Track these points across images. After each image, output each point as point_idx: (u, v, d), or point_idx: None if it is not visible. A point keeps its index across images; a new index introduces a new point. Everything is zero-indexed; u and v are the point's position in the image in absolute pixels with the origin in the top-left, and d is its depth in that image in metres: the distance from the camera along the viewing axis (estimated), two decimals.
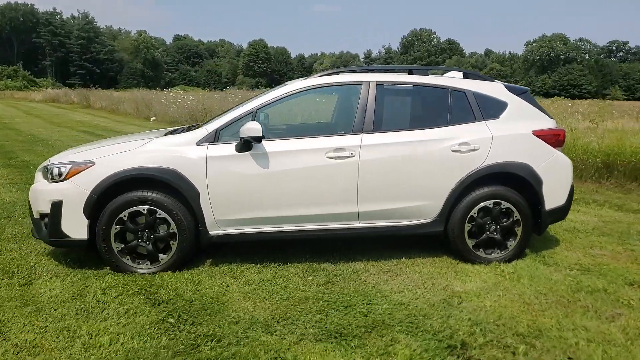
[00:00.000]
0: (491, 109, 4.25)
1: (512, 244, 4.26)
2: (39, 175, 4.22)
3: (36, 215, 4.09)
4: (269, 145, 3.97)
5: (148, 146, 3.99)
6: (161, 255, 4.01)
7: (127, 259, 3.98)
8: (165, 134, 4.42)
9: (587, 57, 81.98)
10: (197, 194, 3.93)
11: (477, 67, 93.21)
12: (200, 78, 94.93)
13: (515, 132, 4.18)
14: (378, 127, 4.11)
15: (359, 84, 4.21)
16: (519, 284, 3.82)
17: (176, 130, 4.97)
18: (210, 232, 4.04)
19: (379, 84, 4.20)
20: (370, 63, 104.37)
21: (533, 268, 4.13)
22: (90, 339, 2.94)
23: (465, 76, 4.45)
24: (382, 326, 3.16)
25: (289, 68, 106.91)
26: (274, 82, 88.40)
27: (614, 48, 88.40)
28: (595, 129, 9.49)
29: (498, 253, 4.26)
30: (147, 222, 3.94)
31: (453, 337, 3.03)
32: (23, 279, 3.84)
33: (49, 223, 3.95)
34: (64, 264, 4.16)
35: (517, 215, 4.20)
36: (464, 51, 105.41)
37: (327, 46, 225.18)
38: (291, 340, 2.98)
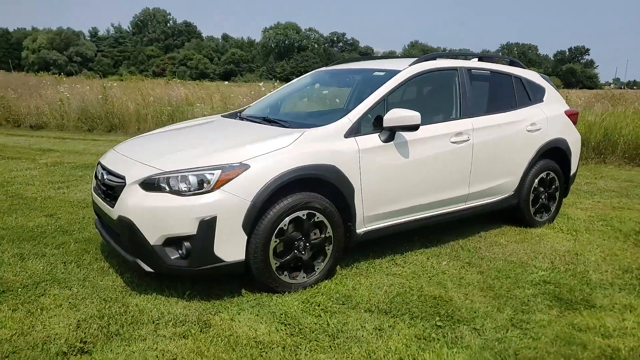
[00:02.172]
0: (538, 93, 5.13)
1: (553, 207, 5.27)
2: (137, 190, 3.25)
3: (156, 242, 3.17)
4: (407, 134, 3.96)
5: (302, 141, 3.51)
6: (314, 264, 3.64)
7: (285, 275, 3.48)
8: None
9: (316, 46, 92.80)
10: (353, 190, 3.69)
11: (218, 52, 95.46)
12: None
13: (557, 113, 5.17)
14: (477, 111, 4.52)
15: (455, 69, 4.52)
16: (588, 237, 4.85)
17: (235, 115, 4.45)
18: (357, 230, 3.84)
19: (468, 70, 4.60)
20: (99, 42, 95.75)
21: (573, 224, 5.24)
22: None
23: (512, 64, 5.20)
24: (579, 288, 3.68)
25: None
26: None
27: (335, 39, 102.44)
28: None
29: (545, 216, 5.22)
30: (306, 228, 3.52)
31: (630, 285, 3.79)
32: (187, 323, 3.00)
33: (196, 248, 3.14)
34: (181, 297, 3.35)
35: (557, 182, 5.22)
36: (202, 34, 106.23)
37: (40, 21, 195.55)
38: (552, 314, 3.28)
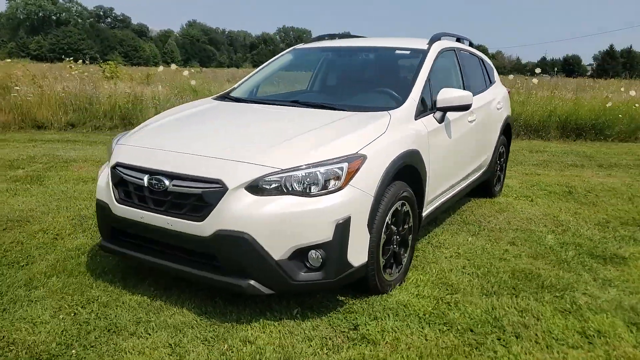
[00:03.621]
0: (492, 74, 5.65)
1: (502, 177, 5.93)
2: (245, 196, 2.65)
3: (283, 256, 2.66)
4: (450, 114, 3.99)
5: (393, 126, 3.25)
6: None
7: (387, 273, 3.24)
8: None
9: (80, 21, 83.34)
10: (426, 175, 3.61)
11: None
12: None
13: (505, 92, 5.78)
14: (471, 91, 4.78)
15: (453, 49, 4.68)
16: (541, 201, 5.60)
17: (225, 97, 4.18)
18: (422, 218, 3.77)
19: (459, 50, 4.81)
20: None
21: (519, 192, 5.98)
22: None
23: (471, 44, 5.58)
24: (592, 245, 4.23)
25: None
26: None
27: (101, 13, 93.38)
28: None
29: (499, 186, 5.85)
30: (400, 220, 3.32)
31: (620, 237, 4.54)
32: (344, 344, 2.61)
33: (332, 256, 2.72)
34: (293, 317, 2.89)
35: (505, 155, 5.88)
36: None
37: None
38: (612, 270, 3.75)
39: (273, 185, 2.67)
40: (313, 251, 2.71)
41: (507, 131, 5.78)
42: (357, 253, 2.86)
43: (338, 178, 2.74)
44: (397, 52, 4.27)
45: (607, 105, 10.20)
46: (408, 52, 4.18)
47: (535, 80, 12.43)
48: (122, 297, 3.09)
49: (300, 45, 4.89)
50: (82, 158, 7.38)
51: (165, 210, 2.80)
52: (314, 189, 2.69)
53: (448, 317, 2.93)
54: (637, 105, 10.30)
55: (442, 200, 4.17)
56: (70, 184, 5.87)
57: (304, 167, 2.71)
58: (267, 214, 2.62)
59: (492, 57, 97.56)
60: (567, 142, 10.12)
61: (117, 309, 2.95)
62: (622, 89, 11.38)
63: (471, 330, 2.80)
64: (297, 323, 2.83)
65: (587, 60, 78.94)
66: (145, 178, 2.86)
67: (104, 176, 3.20)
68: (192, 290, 3.16)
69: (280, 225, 2.63)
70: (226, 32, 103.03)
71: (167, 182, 2.78)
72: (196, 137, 3.16)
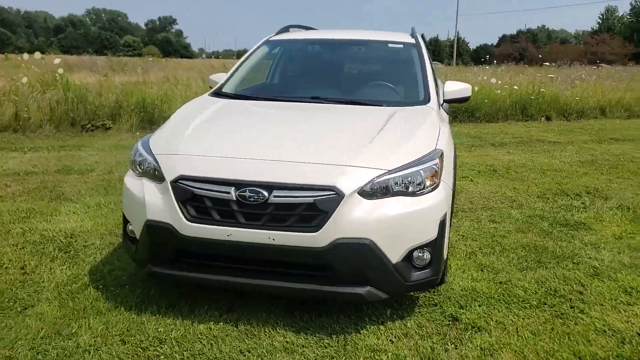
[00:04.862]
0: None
1: None
2: (360, 201, 2.61)
3: (399, 259, 2.68)
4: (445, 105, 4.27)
5: (438, 119, 3.40)
6: None
7: None
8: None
9: None
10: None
11: None
12: None
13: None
14: None
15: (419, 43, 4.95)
16: (479, 180, 6.26)
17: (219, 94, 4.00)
18: None
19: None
20: None
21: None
22: None
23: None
24: (552, 215, 4.96)
25: None
26: None
27: None
28: None
29: None
30: None
31: (565, 207, 5.34)
32: (481, 335, 2.73)
33: (436, 253, 2.81)
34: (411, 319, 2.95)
35: None
36: None
37: None
38: (592, 236, 4.42)
39: (379, 187, 2.65)
40: (418, 250, 2.75)
41: None
42: (446, 247, 2.98)
43: (435, 175, 2.82)
44: (390, 45, 4.40)
45: (475, 89, 11.57)
46: (401, 45, 4.35)
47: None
48: (193, 327, 2.78)
49: (275, 37, 4.71)
50: None
51: (263, 225, 2.59)
52: (416, 188, 2.73)
53: (518, 295, 3.22)
54: (498, 91, 11.89)
55: None
56: None
57: (407, 166, 2.73)
58: (385, 217, 2.60)
59: None
60: None
61: (202, 341, 2.65)
62: (483, 76, 13.01)
63: (545, 304, 3.12)
64: (401, 324, 2.86)
65: None
66: (233, 191, 2.61)
67: (154, 192, 2.79)
68: (259, 307, 2.97)
69: (397, 227, 2.63)
70: (22, 12, 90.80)
71: (266, 194, 2.57)
72: (270, 141, 2.94)
